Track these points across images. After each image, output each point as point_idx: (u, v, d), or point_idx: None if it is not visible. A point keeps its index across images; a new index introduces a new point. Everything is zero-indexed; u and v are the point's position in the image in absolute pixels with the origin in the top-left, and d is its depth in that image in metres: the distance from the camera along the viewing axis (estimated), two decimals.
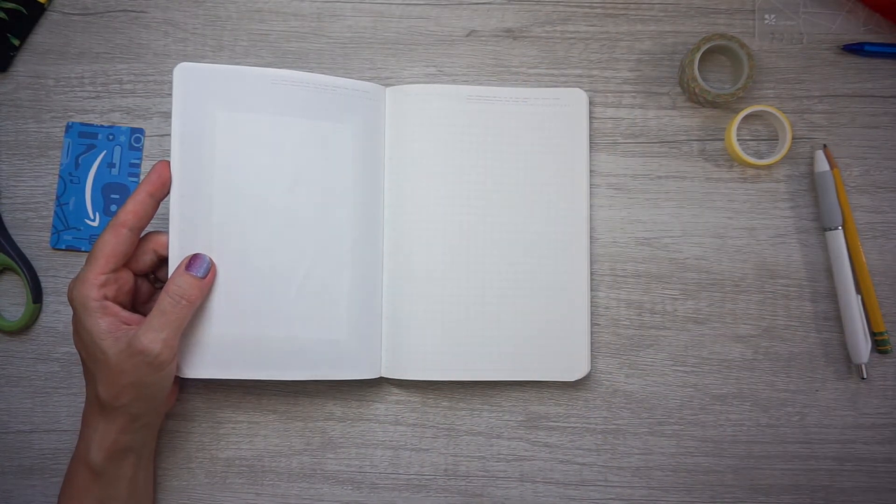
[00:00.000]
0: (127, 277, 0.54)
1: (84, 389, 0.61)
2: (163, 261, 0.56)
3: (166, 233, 0.56)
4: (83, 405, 0.61)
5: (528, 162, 0.61)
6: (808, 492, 0.61)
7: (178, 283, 0.53)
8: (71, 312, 0.62)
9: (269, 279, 0.56)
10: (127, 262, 0.54)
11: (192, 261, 0.54)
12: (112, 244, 0.52)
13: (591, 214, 0.62)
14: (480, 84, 0.63)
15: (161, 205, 0.55)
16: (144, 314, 0.54)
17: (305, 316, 0.57)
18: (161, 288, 0.59)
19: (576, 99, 0.62)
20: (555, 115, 0.61)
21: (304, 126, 0.58)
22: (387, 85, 0.61)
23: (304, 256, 0.57)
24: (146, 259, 0.55)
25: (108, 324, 0.51)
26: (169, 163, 0.55)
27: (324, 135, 0.58)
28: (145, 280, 0.57)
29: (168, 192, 0.55)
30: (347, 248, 0.58)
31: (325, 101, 0.58)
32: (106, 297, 0.52)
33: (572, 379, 0.60)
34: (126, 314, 0.53)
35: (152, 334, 0.51)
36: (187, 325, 0.54)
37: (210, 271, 0.54)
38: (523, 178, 0.61)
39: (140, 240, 0.55)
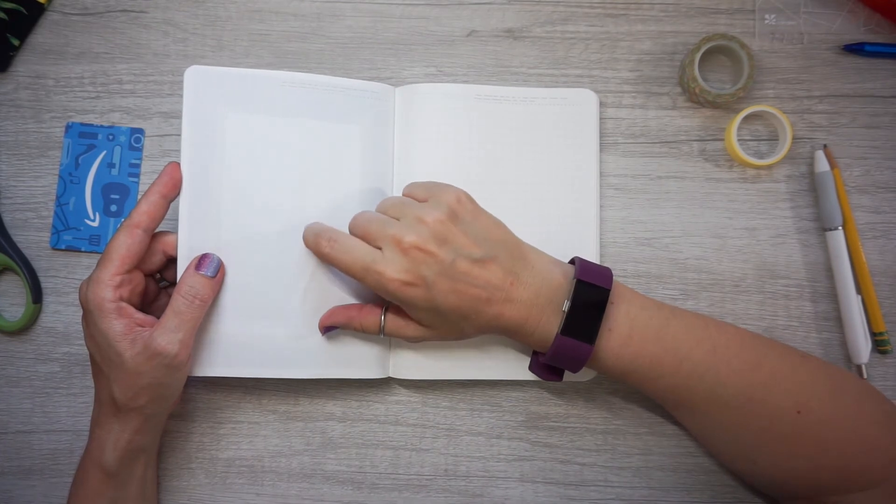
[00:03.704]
0: (139, 278, 0.55)
1: (85, 390, 0.62)
2: (171, 261, 0.56)
3: (174, 233, 0.56)
4: (85, 405, 0.62)
5: (537, 161, 0.61)
6: None
7: (189, 283, 0.53)
8: (70, 313, 0.62)
9: (276, 278, 0.57)
10: (137, 263, 0.54)
11: (202, 261, 0.54)
12: (127, 245, 0.52)
13: (600, 214, 0.62)
14: (481, 84, 0.63)
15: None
16: (151, 314, 0.54)
17: (313, 315, 0.57)
18: (167, 288, 0.59)
19: (585, 99, 0.62)
20: (564, 114, 0.61)
21: (313, 127, 0.58)
22: (389, 85, 0.61)
23: (311, 256, 0.57)
24: (155, 259, 0.56)
25: (123, 325, 0.52)
26: (179, 164, 0.55)
27: (332, 135, 0.58)
28: (151, 280, 0.57)
29: (179, 193, 0.55)
30: None
31: (334, 102, 0.58)
32: (121, 298, 0.52)
33: (583, 379, 0.60)
34: (140, 316, 0.53)
35: (169, 335, 0.51)
36: None
37: (219, 270, 0.55)
38: (533, 177, 0.61)
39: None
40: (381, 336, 0.56)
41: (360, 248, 0.52)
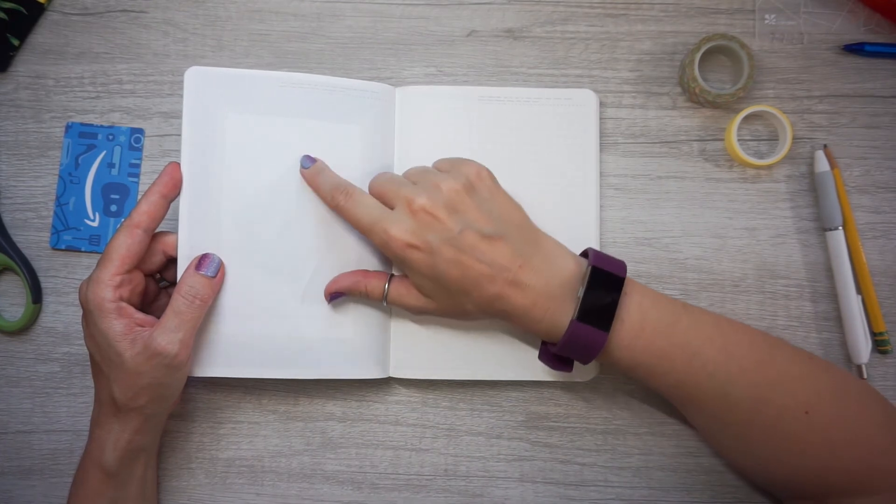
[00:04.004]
0: (139, 278, 0.55)
1: (85, 390, 0.62)
2: (171, 261, 0.56)
3: (175, 233, 0.56)
4: (85, 405, 0.62)
5: (538, 162, 0.61)
6: None
7: (189, 283, 0.53)
8: (70, 313, 0.62)
9: (277, 279, 0.57)
10: (137, 263, 0.54)
11: (202, 260, 0.54)
12: (127, 245, 0.52)
13: (600, 215, 0.62)
14: (481, 84, 0.63)
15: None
16: (151, 314, 0.54)
17: (313, 315, 0.57)
18: (167, 287, 0.59)
19: (585, 99, 0.62)
20: (565, 115, 0.61)
21: (313, 127, 0.58)
22: (389, 85, 0.61)
23: (311, 256, 0.57)
24: (155, 260, 0.56)
25: (123, 326, 0.52)
26: (179, 164, 0.55)
27: (333, 136, 0.58)
28: (151, 280, 0.57)
29: (179, 193, 0.55)
30: (355, 247, 0.58)
31: (334, 103, 0.58)
32: (121, 298, 0.52)
33: (583, 379, 0.60)
34: (140, 315, 0.53)
35: (169, 335, 0.51)
36: None
37: (220, 270, 0.55)
38: (534, 178, 0.61)
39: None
40: (384, 304, 0.56)
41: (372, 205, 0.53)
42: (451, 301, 0.53)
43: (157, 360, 0.51)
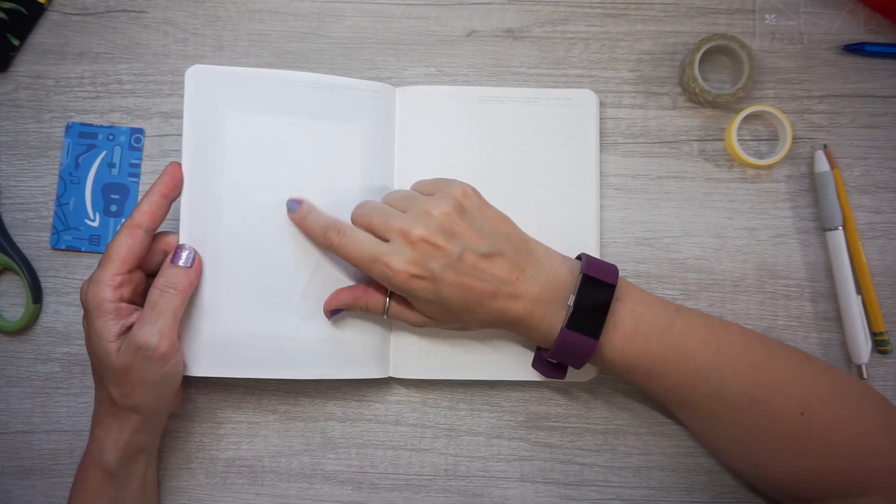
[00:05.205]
0: (140, 278, 0.55)
1: (85, 390, 0.62)
2: None
3: (175, 233, 0.56)
4: (85, 405, 0.62)
5: (539, 162, 0.61)
6: None
7: (164, 275, 0.53)
8: (70, 313, 0.62)
9: (276, 278, 0.57)
10: (138, 263, 0.54)
11: (176, 252, 0.54)
12: (128, 245, 0.53)
13: (600, 215, 0.62)
14: (481, 84, 0.63)
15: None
16: None
17: (311, 314, 0.57)
18: None
19: (585, 99, 0.62)
20: (566, 115, 0.61)
21: (314, 127, 0.58)
22: (389, 85, 0.61)
23: (310, 256, 0.57)
24: (156, 260, 0.56)
25: (119, 327, 0.52)
26: (180, 164, 0.55)
27: (333, 135, 0.58)
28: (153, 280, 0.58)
29: (179, 193, 0.55)
30: None
31: (335, 102, 0.58)
32: (121, 299, 0.52)
33: (583, 380, 0.60)
34: (137, 315, 0.53)
35: (147, 327, 0.51)
36: (195, 323, 0.55)
37: (195, 260, 0.55)
38: (535, 178, 0.61)
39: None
40: (385, 318, 0.56)
41: (367, 240, 0.53)
42: (454, 318, 0.54)
43: (141, 354, 0.51)
